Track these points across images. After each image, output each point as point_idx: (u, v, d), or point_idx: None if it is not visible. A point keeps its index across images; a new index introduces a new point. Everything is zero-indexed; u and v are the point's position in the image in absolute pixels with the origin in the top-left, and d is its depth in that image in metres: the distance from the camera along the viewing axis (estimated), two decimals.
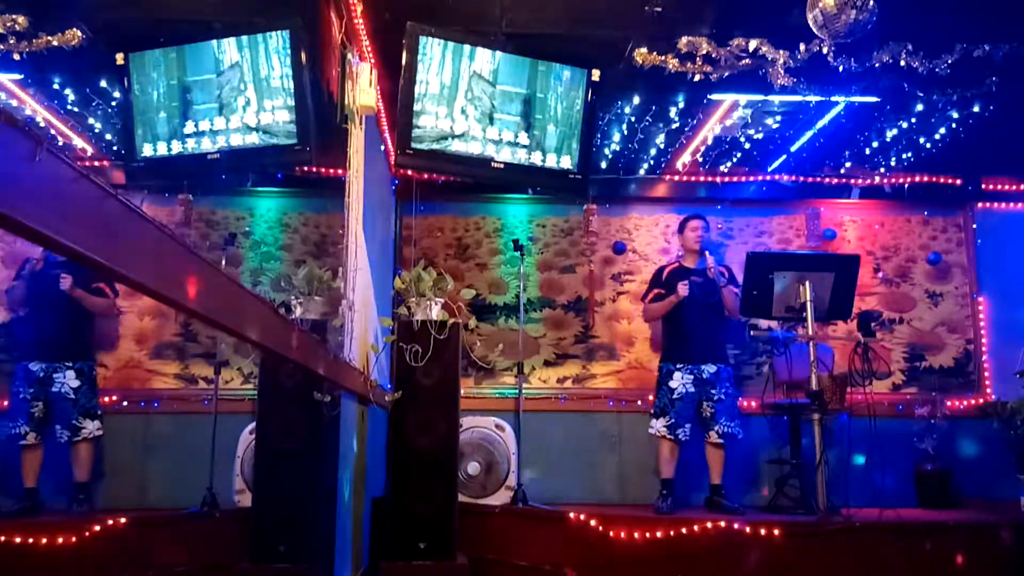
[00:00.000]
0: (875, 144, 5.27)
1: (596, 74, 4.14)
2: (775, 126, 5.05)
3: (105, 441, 4.71)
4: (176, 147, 3.93)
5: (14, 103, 4.48)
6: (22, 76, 4.19)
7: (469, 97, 4.01)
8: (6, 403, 4.60)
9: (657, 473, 4.79)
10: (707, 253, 4.88)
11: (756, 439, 5.04)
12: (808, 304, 4.32)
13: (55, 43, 3.71)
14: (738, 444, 4.75)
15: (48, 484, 4.51)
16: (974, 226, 5.77)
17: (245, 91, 3.79)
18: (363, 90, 3.53)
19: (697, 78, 4.04)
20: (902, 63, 3.96)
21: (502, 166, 4.13)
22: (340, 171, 3.65)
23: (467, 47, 3.96)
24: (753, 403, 5.21)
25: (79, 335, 4.60)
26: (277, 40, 3.69)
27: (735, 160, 5.58)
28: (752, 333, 4.87)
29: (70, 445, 4.45)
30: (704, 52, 3.91)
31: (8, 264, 5.18)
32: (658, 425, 4.74)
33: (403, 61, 3.86)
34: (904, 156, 5.42)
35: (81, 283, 4.45)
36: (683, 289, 4.71)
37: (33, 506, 4.34)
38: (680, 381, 4.69)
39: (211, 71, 3.83)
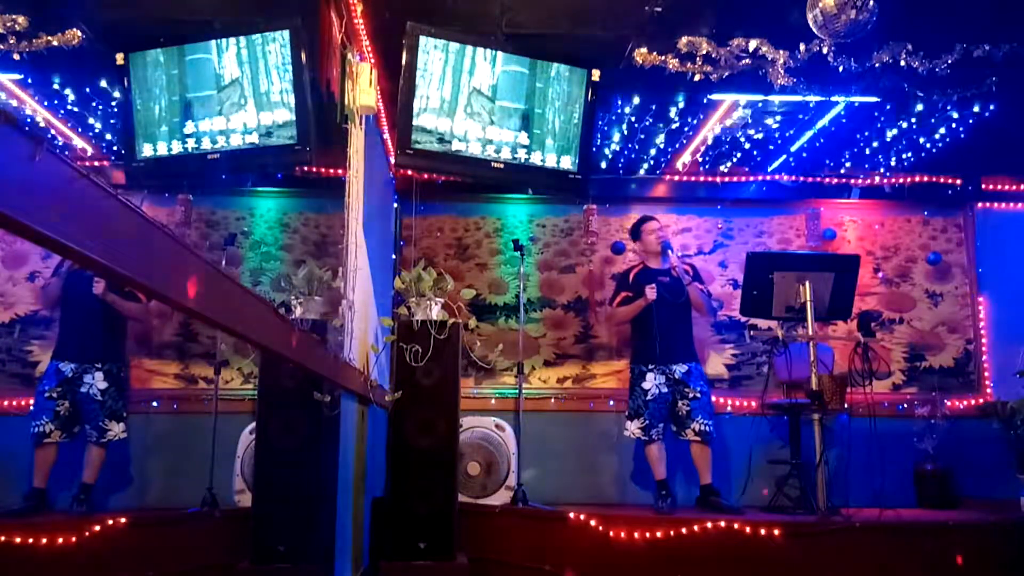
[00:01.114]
0: (875, 144, 5.27)
1: (596, 74, 4.14)
2: (775, 126, 5.05)
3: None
4: (176, 147, 3.93)
5: (14, 103, 4.49)
6: (22, 76, 4.19)
7: (469, 112, 4.02)
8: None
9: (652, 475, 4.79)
10: (669, 252, 4.86)
11: (756, 439, 5.03)
12: (808, 304, 4.32)
13: (55, 43, 3.71)
14: (729, 442, 4.76)
15: (60, 484, 4.50)
16: (974, 226, 5.78)
17: (245, 105, 3.80)
18: (363, 90, 3.52)
19: (697, 78, 4.04)
20: (902, 63, 3.97)
21: (502, 166, 4.13)
22: (340, 171, 3.65)
23: (467, 62, 3.97)
24: (753, 403, 5.22)
25: (111, 337, 4.60)
26: (277, 56, 3.70)
27: (735, 160, 5.58)
28: (752, 333, 4.87)
29: (89, 446, 4.45)
30: (704, 52, 3.91)
31: (9, 265, 5.18)
32: (632, 427, 4.74)
33: (403, 61, 3.86)
34: (904, 156, 5.42)
35: (115, 287, 4.46)
36: (651, 292, 4.69)
37: (37, 506, 4.33)
38: (653, 382, 4.68)
39: (211, 87, 3.84)
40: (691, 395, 4.65)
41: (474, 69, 4.00)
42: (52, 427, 4.37)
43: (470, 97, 4.00)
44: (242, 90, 3.78)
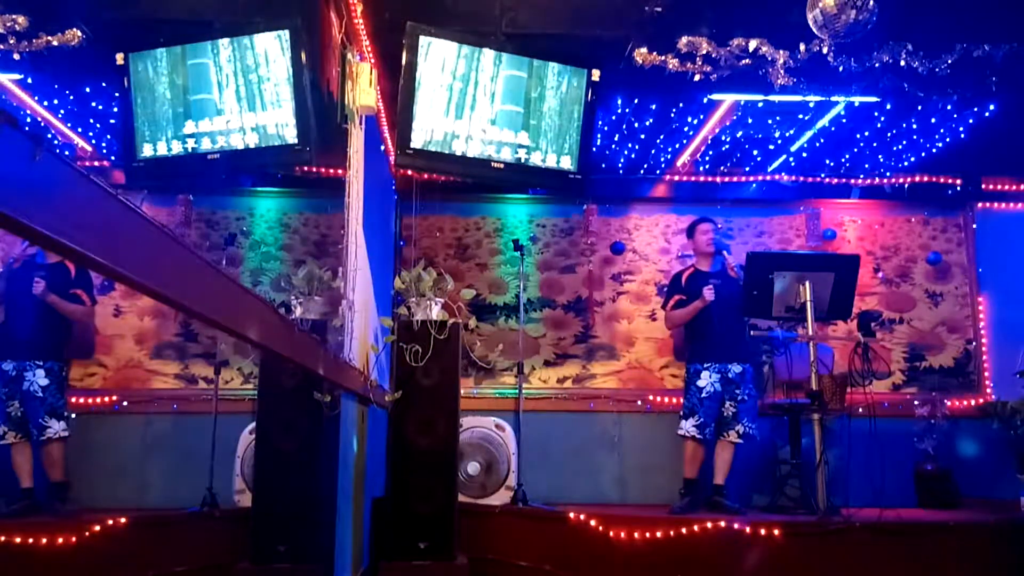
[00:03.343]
0: (875, 144, 5.27)
1: (596, 74, 4.14)
2: (775, 126, 5.05)
3: (94, 442, 4.71)
4: (176, 147, 3.93)
5: (14, 103, 4.48)
6: (22, 76, 4.19)
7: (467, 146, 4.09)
8: None
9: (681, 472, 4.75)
10: (724, 253, 4.84)
11: (756, 439, 5.03)
12: (808, 304, 4.32)
13: (55, 43, 3.70)
14: (747, 445, 4.75)
15: (38, 484, 4.48)
16: (974, 226, 5.78)
17: (245, 135, 3.82)
18: (363, 90, 3.52)
19: (697, 78, 4.04)
20: (902, 63, 3.97)
21: (502, 166, 4.13)
22: (340, 171, 3.65)
23: (468, 99, 3.99)
24: None
25: (52, 336, 4.52)
26: (273, 93, 3.72)
27: (735, 160, 5.58)
28: (752, 333, 4.87)
29: (39, 445, 4.40)
30: (704, 52, 3.91)
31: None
32: (687, 426, 4.71)
33: (403, 61, 3.86)
34: (904, 156, 5.42)
35: (58, 289, 4.40)
36: (709, 294, 4.67)
37: (31, 506, 4.32)
38: (708, 380, 4.67)
39: (213, 112, 3.86)
40: (740, 397, 4.64)
41: (476, 104, 4.04)
42: (5, 428, 4.35)
43: (469, 132, 4.07)
44: (242, 123, 3.81)
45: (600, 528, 4.05)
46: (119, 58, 3.90)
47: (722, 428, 4.69)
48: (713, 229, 4.96)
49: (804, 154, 5.43)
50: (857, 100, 4.53)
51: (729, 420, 4.66)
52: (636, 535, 3.98)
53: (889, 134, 5.12)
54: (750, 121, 4.94)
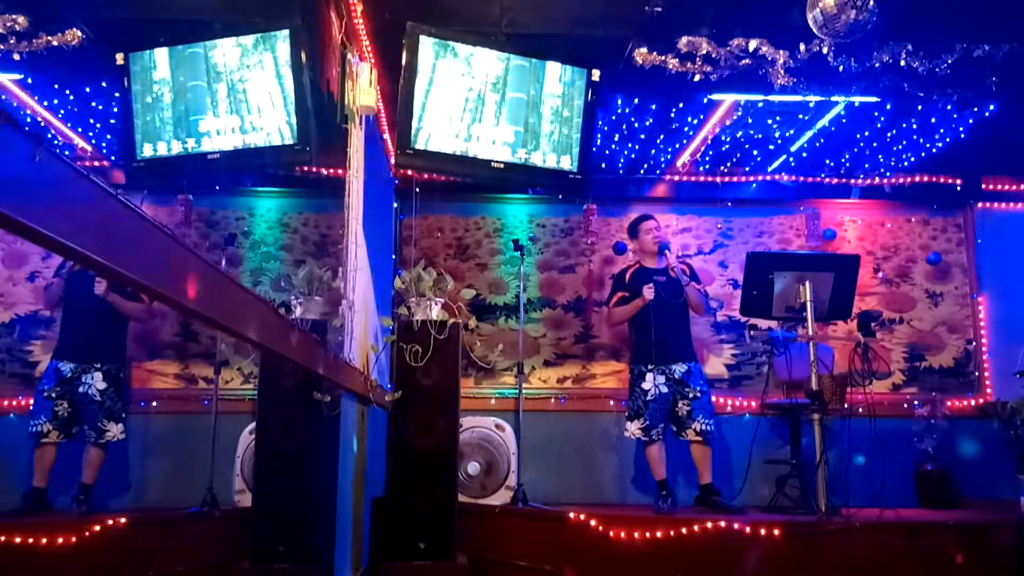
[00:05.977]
0: (875, 144, 5.27)
1: (596, 74, 4.13)
2: (775, 126, 5.05)
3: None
4: (176, 147, 3.93)
5: (14, 103, 4.49)
6: (22, 76, 4.19)
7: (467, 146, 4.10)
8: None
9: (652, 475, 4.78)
10: (667, 252, 4.81)
11: (756, 439, 5.03)
12: (808, 304, 4.32)
13: (55, 43, 3.70)
14: (728, 442, 4.76)
15: (61, 484, 4.49)
16: (974, 226, 5.77)
17: (245, 135, 3.82)
18: (363, 90, 3.53)
19: (697, 78, 4.04)
20: (902, 63, 3.96)
21: (502, 166, 4.12)
22: (340, 171, 3.65)
23: (469, 98, 4.00)
24: (753, 403, 5.21)
25: (111, 337, 4.58)
26: (273, 93, 3.73)
27: (735, 160, 5.58)
28: (752, 333, 4.86)
29: (87, 446, 4.44)
30: (704, 52, 3.90)
31: (9, 265, 5.19)
32: (632, 427, 4.72)
33: (403, 61, 3.86)
34: (904, 156, 5.42)
35: (117, 287, 4.45)
36: (648, 292, 4.66)
37: (37, 506, 4.33)
38: (653, 382, 4.66)
39: (213, 112, 3.87)
40: (691, 395, 4.64)
41: (475, 105, 4.04)
42: (50, 427, 4.37)
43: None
44: (242, 121, 3.81)
45: (600, 528, 4.05)
46: (119, 58, 3.90)
47: (680, 428, 4.68)
48: (657, 227, 4.94)
49: (804, 154, 5.43)
50: (857, 100, 4.53)
51: (684, 419, 4.65)
52: (636, 535, 3.98)
53: (889, 134, 5.12)
54: (750, 121, 4.94)
